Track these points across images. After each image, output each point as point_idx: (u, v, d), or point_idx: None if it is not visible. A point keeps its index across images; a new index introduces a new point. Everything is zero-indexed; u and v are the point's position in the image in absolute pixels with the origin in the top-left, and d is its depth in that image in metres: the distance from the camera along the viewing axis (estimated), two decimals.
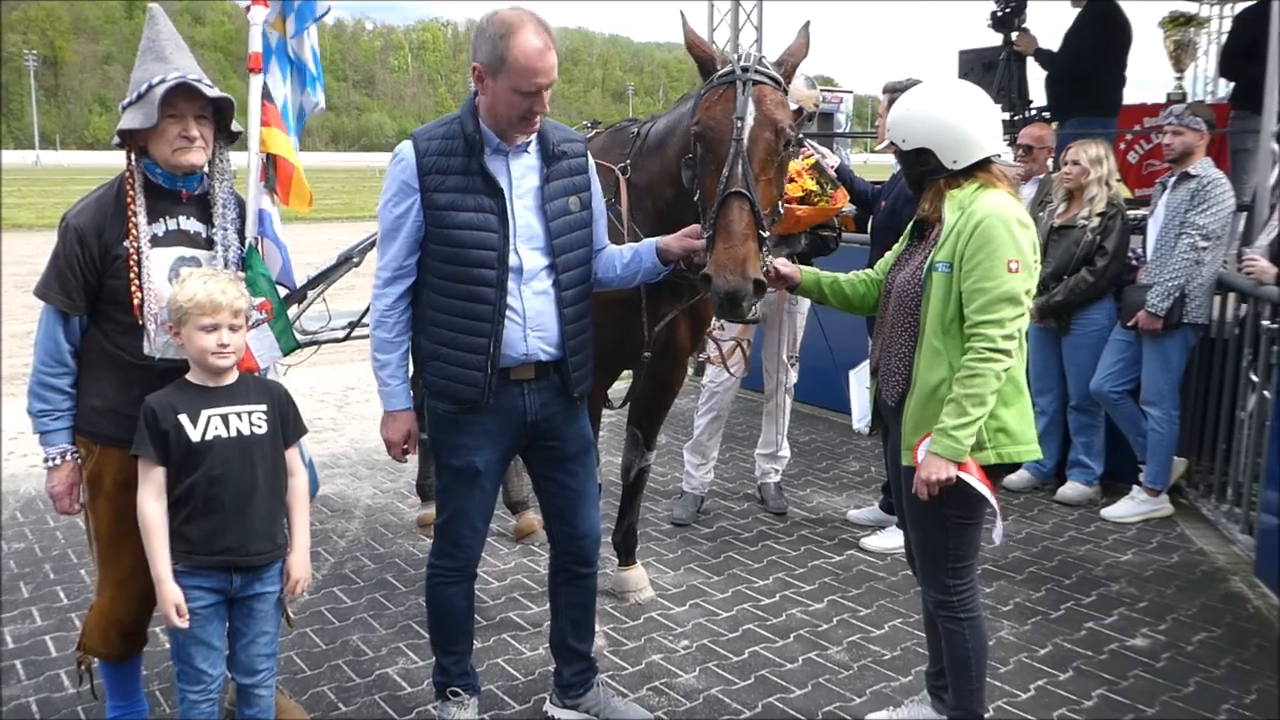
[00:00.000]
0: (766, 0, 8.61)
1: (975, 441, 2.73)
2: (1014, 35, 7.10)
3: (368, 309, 3.29)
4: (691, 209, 3.09)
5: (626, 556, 4.33)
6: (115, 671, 3.08)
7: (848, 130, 16.70)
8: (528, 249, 2.90)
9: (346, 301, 5.55)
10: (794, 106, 4.90)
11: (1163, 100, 8.48)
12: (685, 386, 5.45)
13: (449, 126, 2.88)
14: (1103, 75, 6.89)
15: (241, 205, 3.09)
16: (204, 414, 2.64)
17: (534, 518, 4.79)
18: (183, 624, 2.60)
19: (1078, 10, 7.04)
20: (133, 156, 2.85)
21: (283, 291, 3.38)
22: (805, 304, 5.25)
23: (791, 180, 4.62)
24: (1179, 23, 8.81)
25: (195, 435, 2.61)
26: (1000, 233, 2.70)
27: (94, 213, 2.83)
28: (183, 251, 2.90)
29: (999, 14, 7.09)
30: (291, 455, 2.83)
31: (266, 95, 3.29)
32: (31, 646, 3.82)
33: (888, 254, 3.22)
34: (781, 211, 3.16)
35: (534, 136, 2.91)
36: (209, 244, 2.96)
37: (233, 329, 2.64)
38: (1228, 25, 9.22)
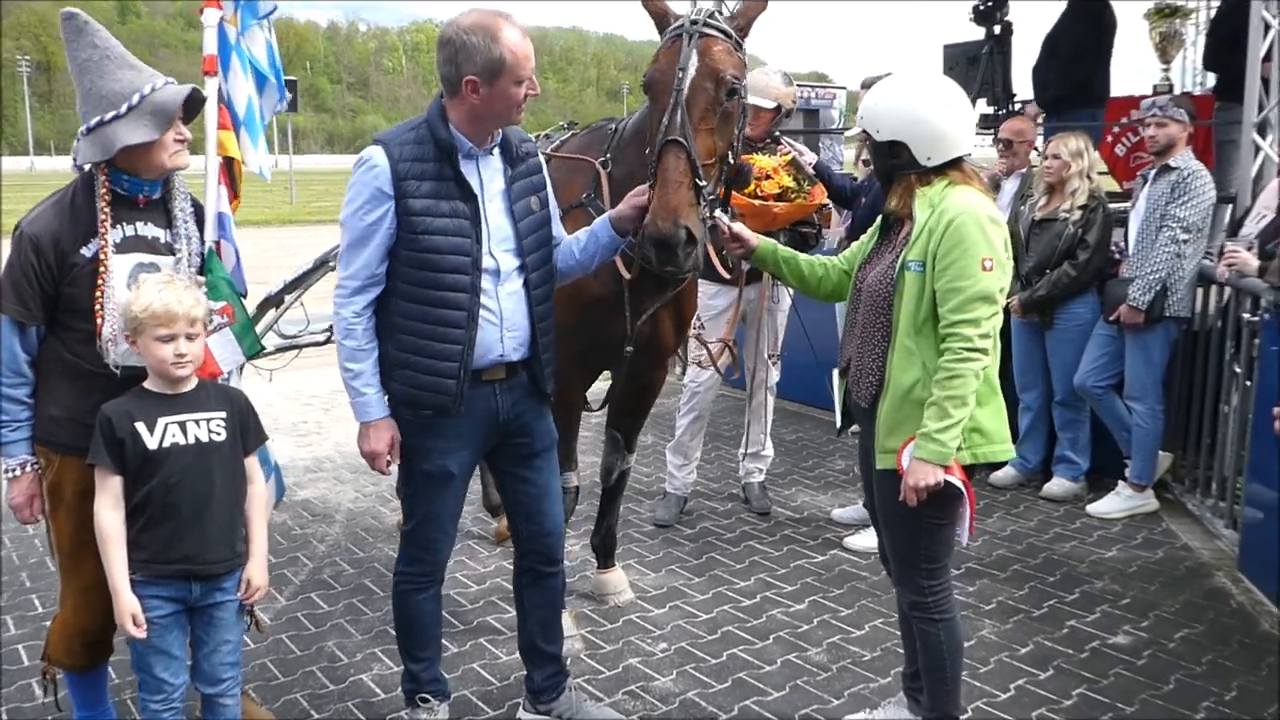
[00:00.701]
0: None
1: None
2: (996, 29, 7.07)
3: None
4: None
5: (606, 559, 4.30)
6: (81, 681, 3.04)
7: (841, 127, 16.66)
8: (501, 250, 2.88)
9: (326, 305, 5.49)
10: (771, 104, 4.92)
11: (1149, 92, 8.46)
12: (668, 386, 5.43)
13: (417, 132, 2.84)
14: (1089, 68, 6.86)
15: (198, 208, 3.05)
16: (161, 422, 2.60)
17: None
18: (140, 634, 2.57)
19: (1063, 3, 7.00)
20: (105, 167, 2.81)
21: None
22: (786, 302, 5.21)
23: (768, 177, 4.60)
24: (1165, 14, 8.76)
25: (152, 443, 2.58)
26: (973, 231, 2.66)
27: (50, 220, 2.79)
28: (141, 258, 2.86)
29: (981, 8, 7.06)
30: (251, 463, 2.79)
31: (221, 98, 3.26)
32: (4, 656, 3.78)
33: (854, 245, 3.18)
34: (732, 162, 3.12)
35: (498, 139, 2.90)
36: (168, 249, 2.92)
37: (189, 338, 2.60)
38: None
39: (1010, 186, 5.79)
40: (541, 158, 3.12)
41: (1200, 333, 5.20)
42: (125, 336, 2.67)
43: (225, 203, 3.21)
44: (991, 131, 7.62)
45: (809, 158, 4.95)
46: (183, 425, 2.63)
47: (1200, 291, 5.16)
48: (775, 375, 5.36)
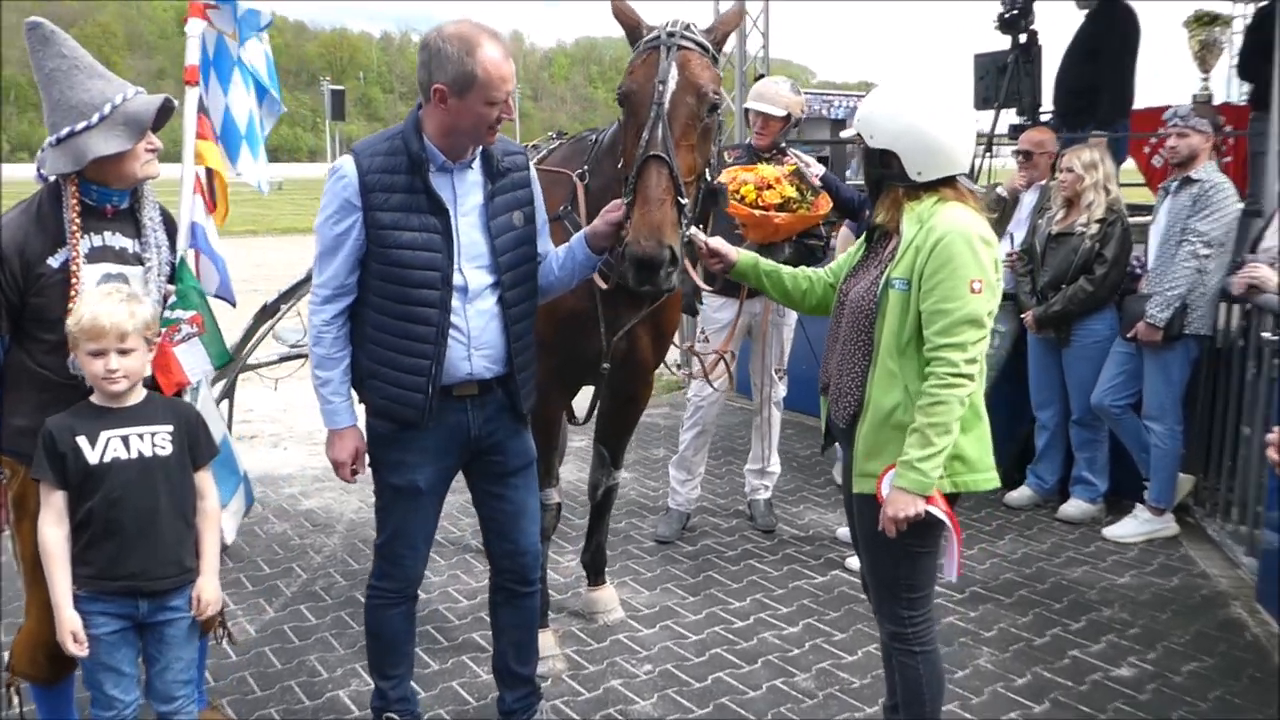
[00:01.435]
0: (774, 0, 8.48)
1: None
2: (1022, 38, 6.90)
3: None
4: None
5: (596, 576, 4.22)
6: (46, 694, 3.02)
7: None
8: (472, 268, 2.82)
9: None
10: (782, 112, 4.84)
11: (1189, 102, 8.24)
12: (676, 400, 5.36)
13: (391, 143, 2.80)
14: (1112, 78, 6.68)
15: (167, 217, 3.03)
16: (103, 435, 2.57)
17: None
18: (80, 651, 2.54)
19: (1084, 11, 6.83)
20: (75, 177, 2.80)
21: (226, 306, 3.33)
22: (793, 316, 5.11)
23: (770, 187, 4.50)
24: (1204, 22, 8.54)
25: (93, 457, 2.54)
26: (962, 250, 2.54)
27: (14, 230, 2.77)
28: (109, 268, 2.84)
29: (1006, 16, 6.90)
30: (201, 477, 2.74)
31: (201, 107, 3.24)
32: None
33: (840, 257, 3.08)
34: (709, 178, 3.04)
35: (478, 153, 2.84)
36: (136, 259, 2.90)
37: (122, 353, 2.55)
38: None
39: (1029, 199, 5.64)
40: (532, 171, 3.04)
41: (1223, 351, 5.01)
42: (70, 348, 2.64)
43: (201, 212, 3.19)
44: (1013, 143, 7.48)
45: (816, 169, 4.86)
46: (125, 439, 2.59)
47: (1223, 309, 4.96)
48: (781, 390, 5.25)
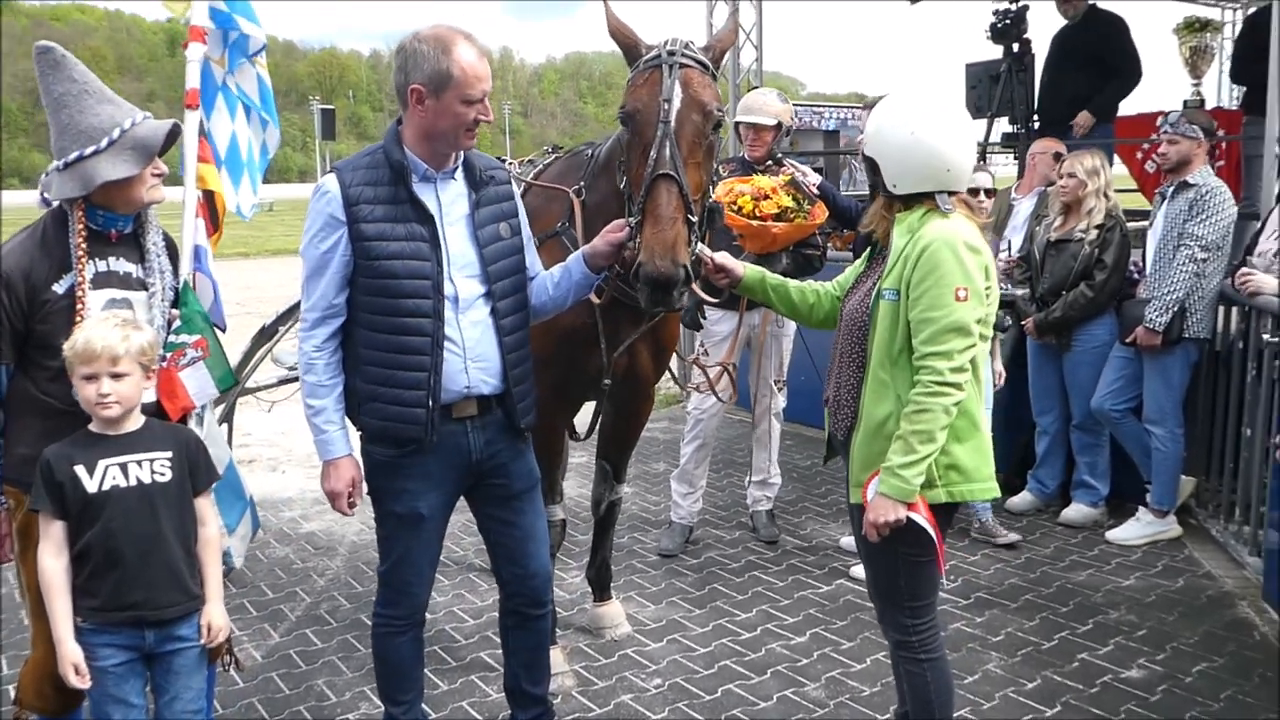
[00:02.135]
0: (766, 1, 8.51)
1: (925, 479, 2.58)
2: (1015, 46, 6.93)
3: None
4: None
5: (602, 592, 4.21)
6: None
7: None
8: (463, 277, 2.81)
9: None
10: (773, 121, 4.86)
11: (1180, 108, 8.29)
12: (676, 413, 5.36)
13: (372, 156, 2.81)
14: (1096, 84, 6.72)
15: (170, 241, 3.03)
16: (101, 464, 2.55)
17: None
18: (83, 684, 2.52)
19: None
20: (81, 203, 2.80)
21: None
22: (791, 327, 5.12)
23: (766, 198, 4.52)
24: (1195, 28, 8.61)
25: (92, 486, 2.52)
26: (947, 259, 2.55)
27: (20, 257, 2.77)
28: (113, 293, 2.84)
29: (998, 25, 6.92)
30: (202, 504, 2.72)
31: (202, 131, 3.24)
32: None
33: (847, 270, 3.08)
34: (712, 197, 3.05)
35: (460, 163, 2.84)
36: (140, 284, 2.90)
37: (115, 377, 2.53)
38: None
39: (1027, 206, 5.67)
40: (514, 184, 3.05)
41: (1222, 353, 5.03)
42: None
43: (203, 236, 3.19)
44: (1013, 150, 7.51)
45: (813, 178, 4.87)
46: (124, 467, 2.57)
47: (1221, 311, 4.98)
48: (781, 401, 5.25)
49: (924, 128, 2.63)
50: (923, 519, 2.57)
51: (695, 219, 2.84)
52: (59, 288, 2.76)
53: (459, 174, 2.86)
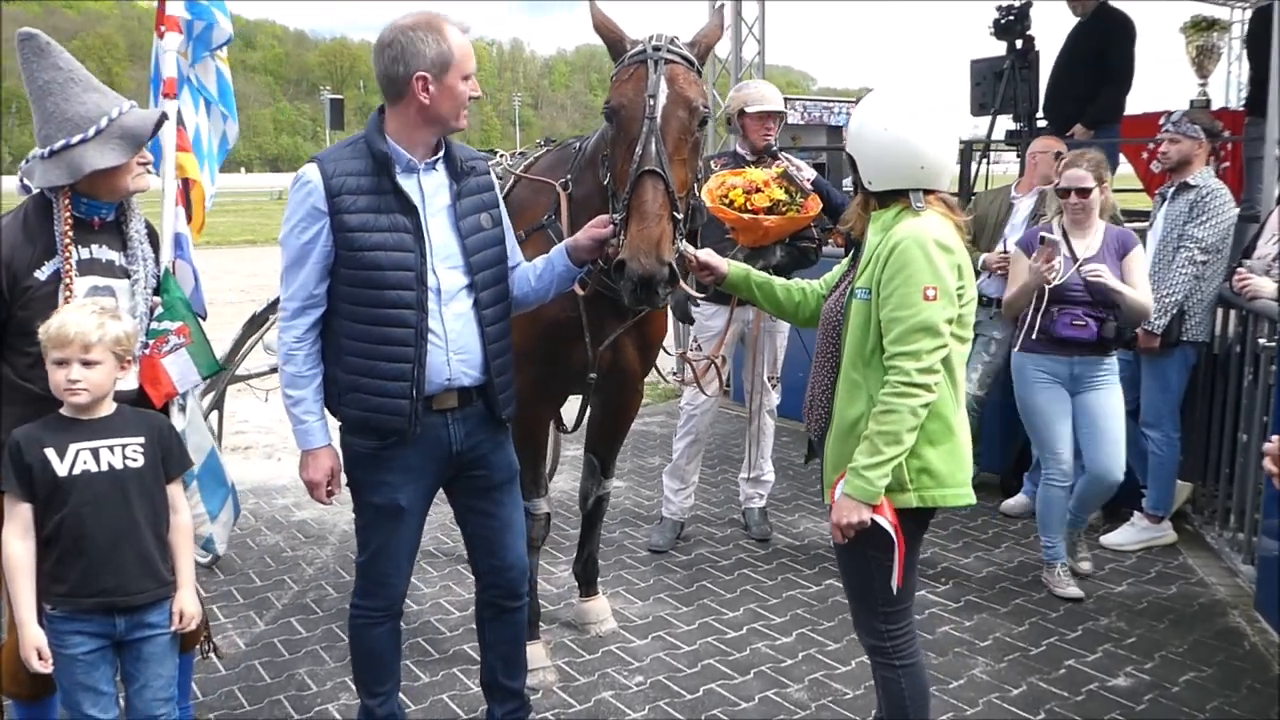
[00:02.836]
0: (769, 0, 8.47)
1: (896, 483, 2.54)
2: (1018, 43, 6.88)
3: None
4: None
5: (588, 587, 4.19)
6: (30, 711, 2.99)
7: None
8: (445, 268, 2.79)
9: None
10: (781, 106, 4.83)
11: (1187, 108, 8.22)
12: (670, 408, 5.34)
13: (354, 147, 2.78)
14: (1101, 84, 6.65)
15: (152, 229, 3.01)
16: (72, 448, 2.53)
17: None
18: (45, 669, 2.51)
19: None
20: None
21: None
22: (785, 323, 5.08)
23: (758, 191, 4.48)
24: (1201, 27, 8.53)
25: (62, 470, 2.51)
26: (916, 257, 2.50)
27: (1, 243, 2.76)
28: (95, 281, 2.83)
29: (1002, 21, 6.87)
30: (174, 490, 2.71)
31: (180, 120, 3.23)
32: None
33: (834, 269, 3.05)
34: (698, 193, 3.02)
35: (441, 155, 2.82)
36: (122, 272, 2.89)
37: (85, 364, 2.51)
38: None
39: (1026, 205, 5.61)
40: (494, 176, 3.03)
41: (1220, 357, 4.98)
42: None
43: (183, 223, 3.18)
44: (1015, 148, 7.45)
45: (807, 172, 4.82)
46: (95, 452, 2.55)
47: (1220, 315, 4.94)
48: (775, 398, 5.22)
49: (899, 124, 2.59)
50: (886, 522, 2.53)
51: (680, 216, 2.81)
52: (41, 274, 2.75)
53: (440, 165, 2.84)
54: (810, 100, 13.88)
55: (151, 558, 2.60)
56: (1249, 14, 8.41)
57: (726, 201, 4.41)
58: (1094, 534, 5.12)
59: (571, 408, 3.86)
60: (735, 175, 4.54)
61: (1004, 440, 5.85)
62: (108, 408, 2.61)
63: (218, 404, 4.87)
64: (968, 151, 7.43)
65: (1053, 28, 7.32)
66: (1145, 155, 8.38)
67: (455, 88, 2.70)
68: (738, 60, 8.40)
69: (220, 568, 4.71)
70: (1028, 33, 6.93)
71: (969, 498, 2.66)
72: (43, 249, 2.76)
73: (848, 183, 4.11)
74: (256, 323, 4.70)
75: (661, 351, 3.97)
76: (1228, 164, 7.67)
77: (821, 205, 4.69)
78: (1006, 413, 5.68)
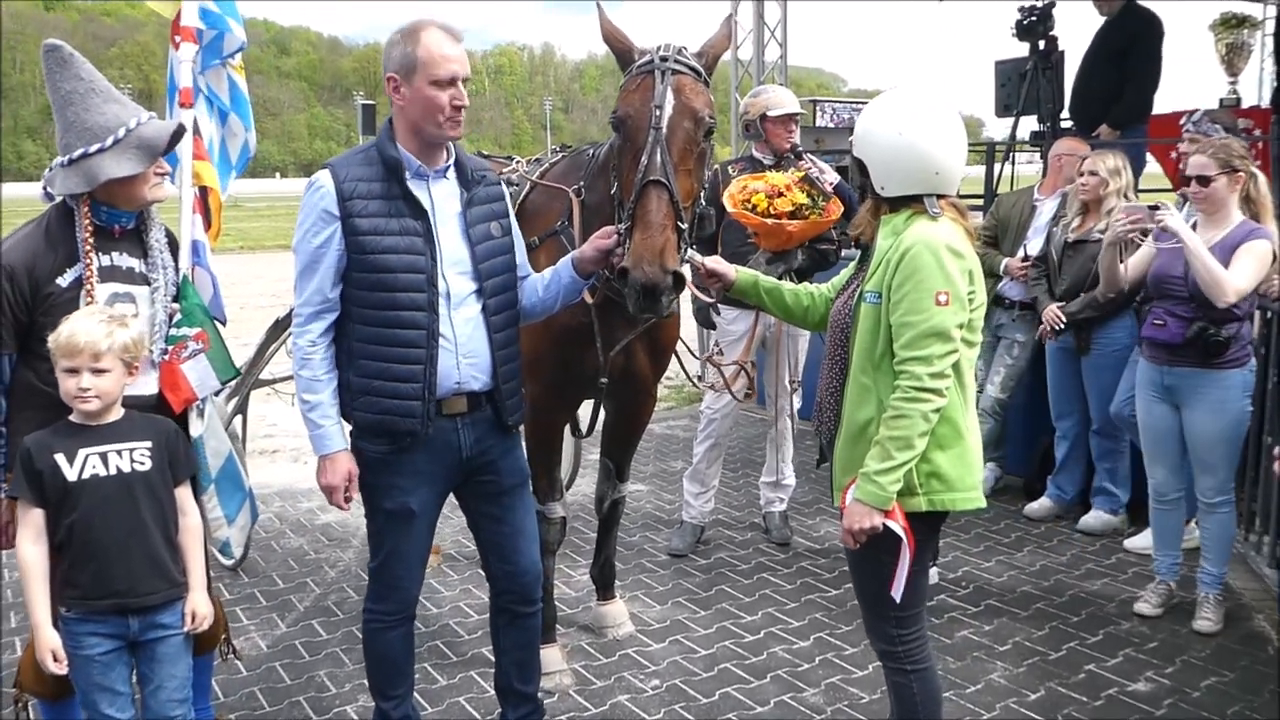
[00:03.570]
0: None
1: (906, 487, 2.54)
2: (1041, 44, 6.83)
3: None
4: None
5: (605, 590, 4.21)
6: (54, 709, 3.05)
7: None
8: (455, 274, 2.83)
9: None
10: (800, 108, 4.83)
11: (1216, 106, 8.12)
12: (697, 414, 5.35)
13: (366, 153, 2.83)
14: (1127, 83, 6.58)
15: (172, 238, 3.07)
16: (81, 453, 2.59)
17: None
18: (59, 670, 2.57)
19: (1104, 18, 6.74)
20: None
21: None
22: None
23: (781, 195, 4.47)
24: (1231, 25, 8.42)
25: (71, 475, 2.57)
26: (927, 262, 2.50)
27: (24, 249, 2.82)
28: (116, 287, 2.89)
29: (1024, 22, 6.82)
30: (182, 493, 2.76)
31: (196, 129, 3.28)
32: (6, 678, 3.83)
33: (842, 273, 3.05)
34: (703, 203, 3.04)
35: (452, 162, 2.85)
36: (143, 279, 2.94)
37: (95, 372, 2.57)
38: None
39: (1050, 207, 5.57)
40: (504, 186, 3.07)
41: None
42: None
43: (200, 231, 3.23)
44: (1039, 149, 7.40)
45: (830, 176, 4.82)
46: (104, 456, 2.61)
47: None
48: (796, 402, 5.21)
49: (912, 128, 2.59)
50: (898, 526, 2.53)
51: (685, 226, 2.83)
52: (63, 281, 2.81)
53: (451, 173, 2.88)
54: (840, 102, 13.85)
55: (161, 559, 2.66)
56: (1278, 11, 8.31)
57: (749, 206, 4.41)
58: (1119, 538, 5.08)
59: (587, 412, 3.89)
60: (757, 179, 4.54)
61: (1028, 443, 5.81)
62: (116, 413, 2.67)
63: (241, 408, 4.93)
64: (991, 153, 7.40)
65: (1080, 27, 7.25)
66: (1174, 155, 8.29)
67: (422, 92, 2.71)
68: (760, 63, 8.39)
69: (244, 570, 4.77)
70: (1050, 33, 6.87)
71: (978, 501, 2.66)
72: (64, 256, 2.82)
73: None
74: (281, 327, 4.74)
75: (688, 355, 3.98)
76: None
77: (843, 209, 4.69)
78: (1030, 415, 5.67)
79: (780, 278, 3.64)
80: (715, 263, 2.99)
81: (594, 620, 4.19)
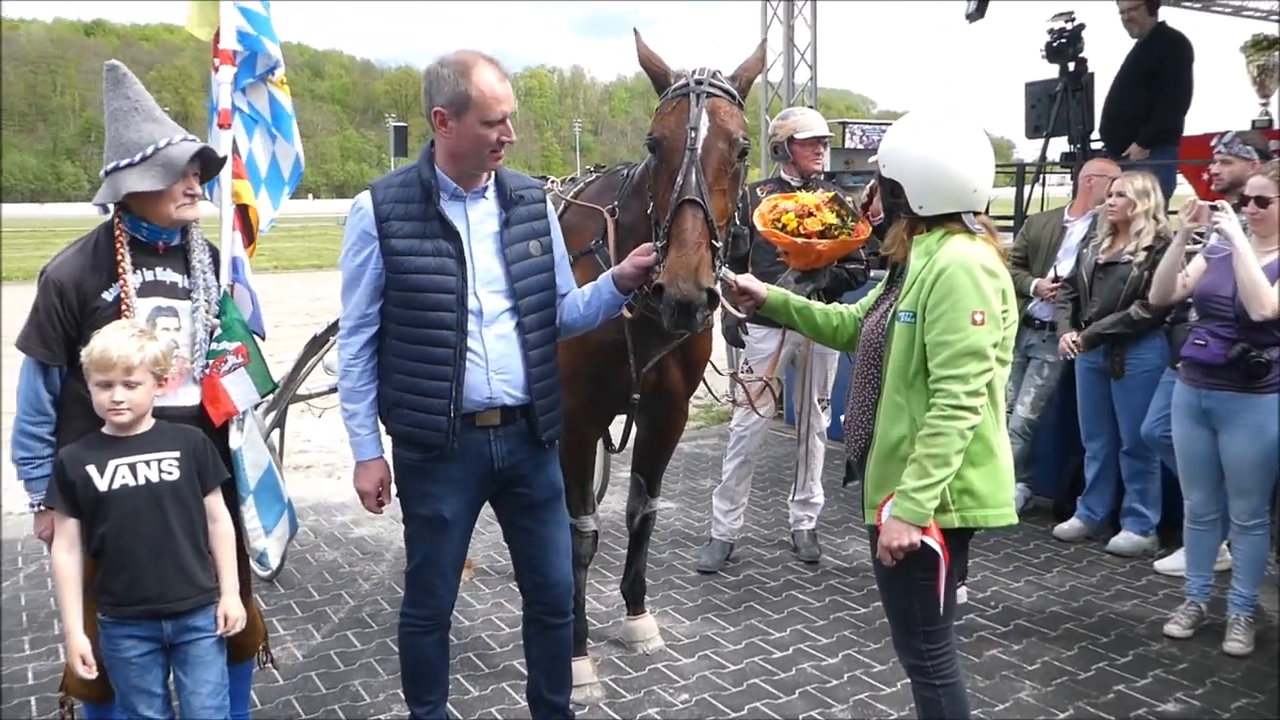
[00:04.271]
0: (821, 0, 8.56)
1: (939, 503, 2.58)
2: (1071, 65, 6.85)
3: None
4: None
5: (635, 605, 4.25)
6: (97, 711, 3.13)
7: None
8: (488, 292, 2.90)
9: None
10: (829, 132, 4.90)
11: (1248, 128, 8.10)
12: (726, 432, 5.39)
13: (406, 175, 2.92)
14: (1162, 103, 6.59)
15: (214, 253, 3.16)
16: (111, 464, 2.68)
17: None
18: (89, 674, 2.66)
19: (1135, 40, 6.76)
20: (120, 213, 2.94)
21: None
22: None
23: (811, 214, 4.53)
24: (1262, 47, 8.42)
25: (102, 485, 2.66)
26: (963, 282, 2.55)
27: (73, 266, 2.92)
28: (159, 302, 2.98)
29: (1053, 44, 6.85)
30: (212, 501, 2.84)
31: (235, 148, 3.38)
32: (50, 683, 3.91)
33: (870, 293, 3.10)
34: (738, 222, 3.09)
35: (491, 182, 2.93)
36: (185, 294, 3.03)
37: (128, 385, 2.65)
38: None
39: (1081, 229, 5.58)
40: (550, 203, 3.13)
41: None
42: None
43: (240, 247, 3.33)
44: (1069, 170, 7.40)
45: (860, 197, 4.87)
46: (133, 466, 2.70)
47: None
48: (825, 420, 5.25)
49: (949, 148, 2.64)
50: (935, 543, 2.56)
51: (719, 244, 2.89)
52: (108, 295, 2.90)
53: (490, 193, 2.95)
54: (869, 124, 13.89)
55: (190, 566, 2.74)
56: None
57: (779, 225, 4.47)
58: (1149, 559, 5.07)
59: (619, 428, 3.94)
60: (787, 199, 4.59)
61: (1058, 463, 5.80)
62: (146, 424, 2.76)
63: (279, 422, 5.03)
64: (1021, 174, 7.41)
65: (1111, 49, 7.26)
66: (1206, 177, 8.26)
67: (473, 130, 2.79)
68: (790, 86, 8.46)
69: (280, 582, 4.85)
70: (1080, 55, 6.88)
71: (1010, 518, 2.70)
72: (109, 272, 2.92)
73: None
74: (317, 344, 4.85)
75: (714, 373, 4.02)
76: None
77: (872, 229, 4.73)
78: (1060, 436, 5.66)
79: (809, 297, 3.69)
80: (747, 280, 3.05)
81: (624, 635, 4.24)
